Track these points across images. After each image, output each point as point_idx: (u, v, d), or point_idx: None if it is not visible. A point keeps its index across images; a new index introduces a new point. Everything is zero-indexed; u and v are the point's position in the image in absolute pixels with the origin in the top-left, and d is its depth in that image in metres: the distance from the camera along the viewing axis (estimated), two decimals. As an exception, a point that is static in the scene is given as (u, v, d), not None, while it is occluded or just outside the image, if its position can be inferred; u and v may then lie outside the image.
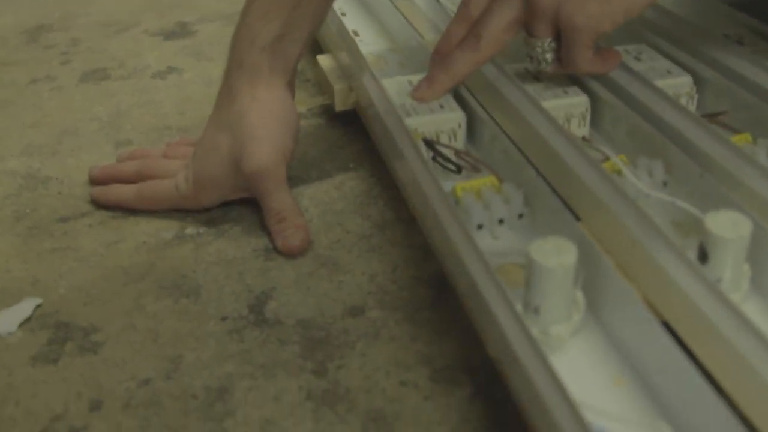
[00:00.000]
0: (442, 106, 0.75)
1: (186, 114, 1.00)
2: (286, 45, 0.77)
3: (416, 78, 0.80)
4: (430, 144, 0.70)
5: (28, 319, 0.67)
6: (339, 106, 0.90)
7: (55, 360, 0.63)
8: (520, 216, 0.64)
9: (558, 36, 0.72)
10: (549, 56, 0.73)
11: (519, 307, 0.52)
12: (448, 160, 0.69)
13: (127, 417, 0.58)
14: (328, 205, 0.80)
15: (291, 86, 0.80)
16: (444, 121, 0.74)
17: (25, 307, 0.68)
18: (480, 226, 0.63)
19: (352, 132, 0.93)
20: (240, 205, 0.80)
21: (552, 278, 0.50)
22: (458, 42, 0.75)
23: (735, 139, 0.67)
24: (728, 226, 0.52)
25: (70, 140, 0.96)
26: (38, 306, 0.69)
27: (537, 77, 0.79)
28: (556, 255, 0.50)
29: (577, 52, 0.72)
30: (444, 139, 0.73)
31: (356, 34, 1.01)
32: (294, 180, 0.83)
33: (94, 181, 0.86)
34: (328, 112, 0.98)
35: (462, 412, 0.57)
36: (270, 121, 0.76)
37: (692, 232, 0.61)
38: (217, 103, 0.79)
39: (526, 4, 0.71)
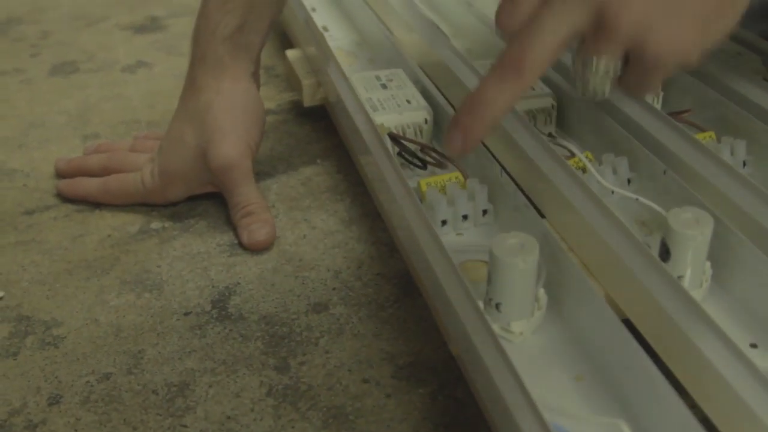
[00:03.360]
0: (409, 102, 0.75)
1: (155, 108, 1.00)
2: (247, 35, 0.76)
3: (384, 73, 0.80)
4: (395, 139, 0.70)
5: (-12, 313, 0.67)
6: (307, 101, 0.90)
7: (14, 354, 0.63)
8: (485, 212, 0.64)
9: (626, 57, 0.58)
10: (608, 85, 0.60)
11: (480, 304, 0.52)
12: (413, 155, 0.69)
13: (86, 412, 0.58)
14: (295, 201, 0.79)
15: (255, 77, 0.80)
16: (410, 117, 0.73)
17: (-14, 301, 0.68)
18: (444, 222, 0.63)
19: (321, 128, 0.92)
20: (206, 199, 0.79)
21: (513, 274, 0.50)
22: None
23: (699, 137, 0.67)
24: (690, 223, 0.52)
25: (38, 133, 0.95)
26: (0, 299, 0.68)
27: None
28: (518, 251, 0.50)
29: (650, 84, 0.59)
30: (410, 135, 0.73)
31: (326, 29, 1.01)
32: (261, 175, 0.83)
33: (60, 174, 0.85)
34: (297, 107, 0.97)
35: (423, 410, 0.56)
36: (235, 113, 0.75)
37: (656, 230, 0.61)
38: (183, 96, 0.78)
39: (596, 15, 0.53)
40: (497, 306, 0.52)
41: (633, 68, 0.57)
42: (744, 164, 0.67)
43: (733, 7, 0.54)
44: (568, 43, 0.54)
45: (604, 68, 0.58)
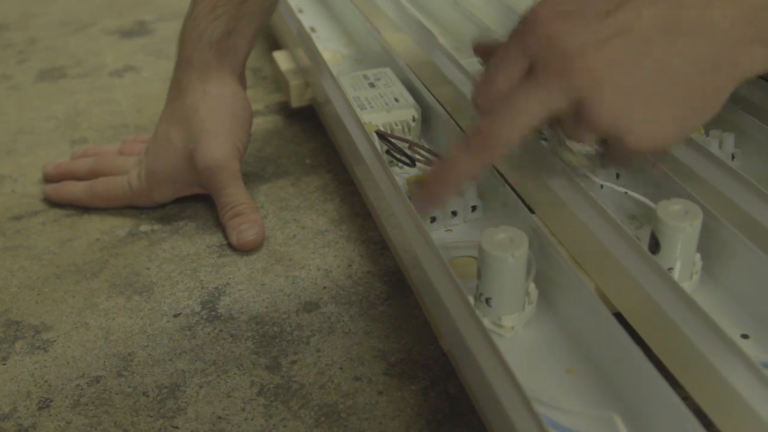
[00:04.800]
0: (396, 100, 0.75)
1: (143, 112, 1.00)
2: (235, 40, 0.76)
3: (372, 72, 0.80)
4: (383, 136, 0.69)
5: (-23, 318, 0.67)
6: (295, 102, 0.90)
7: (4, 359, 0.62)
8: (474, 208, 0.64)
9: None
10: (585, 160, 0.60)
11: (471, 299, 0.51)
12: (402, 152, 0.69)
13: (76, 415, 0.57)
14: (284, 201, 0.79)
15: (242, 79, 0.79)
16: (398, 115, 0.73)
17: (-25, 306, 0.68)
18: (433, 219, 0.63)
19: (309, 129, 0.92)
20: (195, 202, 0.79)
21: (503, 268, 0.50)
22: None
23: (688, 130, 0.67)
24: (680, 215, 0.52)
25: (26, 139, 0.95)
26: (-12, 304, 0.68)
27: None
28: (507, 245, 0.50)
29: (627, 164, 0.61)
30: (398, 133, 0.72)
31: (313, 30, 1.01)
32: (250, 176, 0.83)
33: (48, 179, 0.85)
34: (285, 109, 0.97)
35: (416, 406, 0.56)
36: (222, 114, 0.75)
37: (646, 224, 0.61)
38: (169, 98, 0.78)
39: (574, 105, 0.51)
40: (487, 301, 0.52)
41: (612, 151, 0.56)
42: (732, 157, 0.67)
43: (717, 100, 0.52)
44: (541, 124, 0.53)
45: (579, 148, 0.57)
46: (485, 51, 0.59)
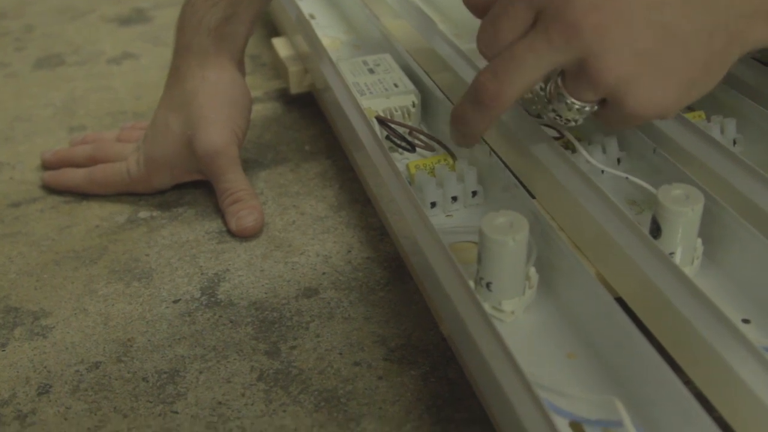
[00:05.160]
0: (396, 86, 0.74)
1: (142, 99, 0.99)
2: (233, 26, 0.76)
3: (371, 58, 0.79)
4: (383, 122, 0.69)
5: (-25, 304, 0.66)
6: (294, 89, 0.90)
7: (3, 345, 0.62)
8: (474, 194, 0.63)
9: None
10: (581, 118, 0.56)
11: (471, 283, 0.51)
12: (402, 138, 0.68)
13: (75, 401, 0.57)
14: (284, 188, 0.79)
15: (241, 65, 0.79)
16: (398, 101, 0.73)
17: (-27, 292, 0.67)
18: (434, 204, 0.63)
19: (309, 115, 0.92)
20: (194, 188, 0.79)
21: (503, 252, 0.50)
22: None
23: (689, 116, 0.67)
24: (681, 199, 0.52)
25: (24, 126, 0.94)
26: (-13, 291, 0.68)
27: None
28: (507, 229, 0.50)
29: (625, 127, 0.60)
30: (398, 119, 0.72)
31: (312, 17, 1.00)
32: (249, 163, 0.83)
33: (46, 166, 0.84)
34: (284, 95, 0.97)
35: (416, 391, 0.56)
36: (221, 101, 0.75)
37: (647, 209, 0.61)
38: (168, 84, 0.78)
39: (578, 61, 0.50)
40: (488, 285, 0.51)
41: (610, 111, 0.54)
42: (734, 143, 0.66)
43: (720, 70, 0.52)
44: (543, 79, 0.53)
45: (579, 106, 0.55)
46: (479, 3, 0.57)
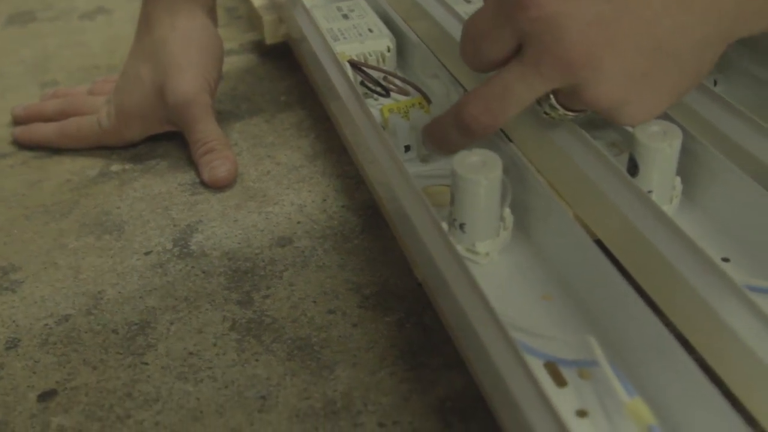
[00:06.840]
0: (371, 30, 0.73)
1: (115, 53, 0.97)
2: None
3: (346, 4, 0.78)
4: (357, 66, 0.68)
5: (-58, 260, 0.65)
6: (269, 39, 0.88)
7: (-30, 300, 0.61)
8: (449, 137, 0.62)
9: None
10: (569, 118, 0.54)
11: (444, 225, 0.50)
12: (376, 83, 0.67)
13: (44, 354, 0.56)
14: (258, 138, 0.77)
15: (212, 13, 0.77)
16: (372, 45, 0.71)
17: (-60, 248, 0.66)
18: (408, 148, 0.61)
19: (284, 66, 0.90)
20: (167, 141, 0.77)
21: (477, 191, 0.48)
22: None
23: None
24: (658, 136, 0.51)
25: (-6, 83, 0.93)
26: (-46, 247, 0.66)
27: None
28: (480, 167, 0.48)
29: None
30: (372, 63, 0.71)
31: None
32: (223, 114, 0.81)
33: (17, 121, 0.83)
34: (259, 47, 0.95)
35: (390, 337, 0.55)
36: (192, 49, 0.73)
37: (626, 150, 0.59)
38: (137, 33, 0.76)
39: (570, 86, 0.48)
40: (461, 227, 0.50)
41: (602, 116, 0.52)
42: (715, 83, 0.65)
43: (710, 69, 0.51)
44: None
45: (572, 117, 0.53)
46: None
